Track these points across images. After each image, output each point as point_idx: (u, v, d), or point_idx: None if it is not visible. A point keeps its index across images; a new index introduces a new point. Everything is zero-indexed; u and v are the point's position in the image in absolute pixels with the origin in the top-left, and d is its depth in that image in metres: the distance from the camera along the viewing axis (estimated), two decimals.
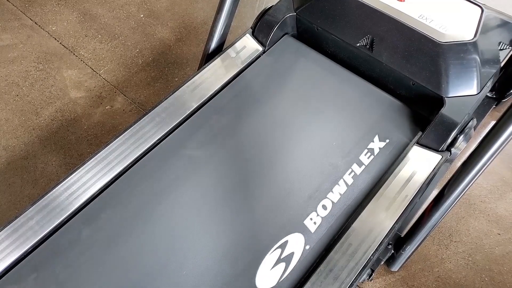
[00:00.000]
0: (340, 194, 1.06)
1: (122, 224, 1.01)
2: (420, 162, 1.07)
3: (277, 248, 0.98)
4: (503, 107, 1.44)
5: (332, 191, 1.06)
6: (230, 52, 1.30)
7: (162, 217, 1.02)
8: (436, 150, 1.09)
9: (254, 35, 1.33)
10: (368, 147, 1.13)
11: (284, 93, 1.24)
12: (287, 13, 1.31)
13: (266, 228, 1.01)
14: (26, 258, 0.96)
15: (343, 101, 1.22)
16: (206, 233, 1.00)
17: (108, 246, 0.98)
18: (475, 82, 1.12)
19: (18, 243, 0.97)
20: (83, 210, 1.02)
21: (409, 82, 1.17)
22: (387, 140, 1.14)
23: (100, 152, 1.10)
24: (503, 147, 0.98)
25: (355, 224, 0.99)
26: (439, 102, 1.12)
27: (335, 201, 1.05)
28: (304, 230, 1.00)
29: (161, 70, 1.74)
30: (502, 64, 1.26)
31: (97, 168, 1.07)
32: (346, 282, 0.92)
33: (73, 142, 1.53)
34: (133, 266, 0.96)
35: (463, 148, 1.11)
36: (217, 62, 1.28)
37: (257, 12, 1.37)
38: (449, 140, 1.08)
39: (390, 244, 1.18)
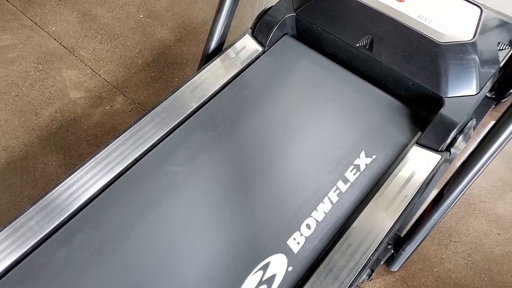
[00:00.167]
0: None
1: (122, 224, 1.01)
2: (419, 162, 1.07)
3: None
4: (502, 107, 1.44)
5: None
6: (230, 52, 1.30)
7: (162, 217, 1.02)
8: (435, 150, 1.09)
9: (253, 35, 1.33)
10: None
11: (283, 94, 1.24)
12: (286, 14, 1.31)
13: (267, 229, 1.01)
14: (26, 258, 0.96)
15: (342, 101, 1.22)
16: (206, 234, 1.00)
17: (108, 246, 0.98)
18: (474, 82, 1.13)
19: (18, 243, 0.97)
20: (83, 210, 1.02)
21: (408, 82, 1.18)
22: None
23: (100, 153, 1.10)
24: (503, 147, 0.98)
25: (355, 224, 0.99)
26: (439, 102, 1.12)
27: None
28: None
29: (161, 71, 1.74)
30: (501, 64, 1.26)
31: (97, 169, 1.07)
32: (345, 282, 0.92)
33: (72, 142, 1.53)
34: (132, 266, 0.96)
35: (463, 148, 1.11)
36: (216, 63, 1.28)
37: (256, 13, 1.37)
38: (449, 140, 1.08)
39: (390, 244, 1.18)
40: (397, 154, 1.11)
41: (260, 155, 1.12)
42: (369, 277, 1.17)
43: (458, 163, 1.06)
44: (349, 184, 1.07)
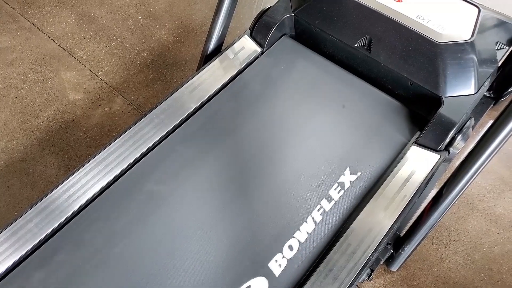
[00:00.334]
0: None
1: (121, 225, 1.01)
2: (418, 162, 1.08)
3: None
4: (500, 106, 1.45)
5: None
6: (229, 53, 1.30)
7: (161, 218, 1.02)
8: (434, 149, 1.09)
9: (252, 36, 1.33)
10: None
11: (282, 94, 1.24)
12: (285, 14, 1.31)
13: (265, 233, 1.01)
14: (26, 260, 0.96)
15: (341, 101, 1.22)
16: (207, 234, 1.00)
17: (108, 247, 0.98)
18: (472, 82, 1.13)
19: (17, 245, 0.97)
20: (82, 212, 1.02)
21: (407, 82, 1.18)
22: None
23: (99, 154, 1.10)
24: (501, 146, 0.98)
25: (354, 224, 0.99)
26: (437, 102, 1.13)
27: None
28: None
29: (160, 72, 1.74)
30: (500, 63, 1.27)
31: (96, 170, 1.07)
32: (345, 282, 0.92)
33: (72, 144, 1.53)
34: (132, 267, 0.96)
35: (461, 148, 1.11)
36: (215, 63, 1.28)
37: (255, 13, 1.37)
38: (447, 140, 1.09)
39: (390, 243, 1.18)
40: (396, 153, 1.12)
41: (256, 161, 1.12)
42: (368, 277, 1.17)
43: (457, 162, 1.06)
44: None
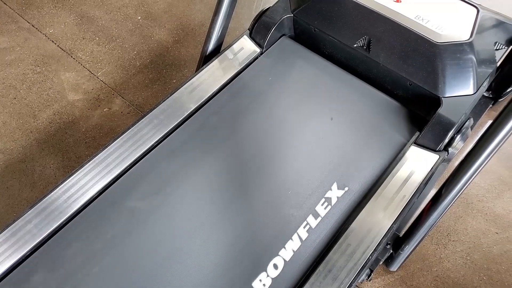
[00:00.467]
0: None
1: (120, 226, 1.01)
2: (417, 162, 1.08)
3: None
4: (499, 107, 1.45)
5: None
6: (228, 53, 1.30)
7: (161, 219, 1.02)
8: (433, 150, 1.09)
9: (251, 36, 1.33)
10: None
11: (281, 95, 1.24)
12: (284, 15, 1.31)
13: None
14: (25, 261, 0.96)
15: (340, 102, 1.22)
16: (207, 234, 1.00)
17: (107, 248, 0.98)
18: (471, 82, 1.13)
19: (17, 246, 0.97)
20: (81, 212, 1.02)
21: (406, 82, 1.18)
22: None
23: (98, 155, 1.09)
24: (500, 146, 0.98)
25: (354, 224, 0.99)
26: (436, 102, 1.13)
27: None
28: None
29: (159, 72, 1.74)
30: (498, 63, 1.27)
31: (95, 171, 1.07)
32: (345, 282, 0.92)
33: (71, 144, 1.53)
34: (131, 268, 0.96)
35: (460, 148, 1.11)
36: (214, 64, 1.28)
37: (254, 14, 1.37)
38: (447, 140, 1.09)
39: (389, 244, 1.18)
40: (395, 154, 1.12)
41: (256, 161, 1.12)
42: (368, 277, 1.17)
43: (456, 162, 1.06)
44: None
